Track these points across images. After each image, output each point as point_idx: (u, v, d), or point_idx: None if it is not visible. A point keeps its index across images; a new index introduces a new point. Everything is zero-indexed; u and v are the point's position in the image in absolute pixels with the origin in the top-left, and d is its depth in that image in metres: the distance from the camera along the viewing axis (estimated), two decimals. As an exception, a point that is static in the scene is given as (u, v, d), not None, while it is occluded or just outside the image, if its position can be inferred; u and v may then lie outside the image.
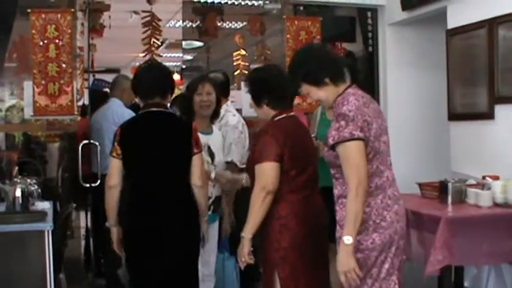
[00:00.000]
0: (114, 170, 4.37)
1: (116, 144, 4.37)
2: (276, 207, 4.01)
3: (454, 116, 6.65)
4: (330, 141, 3.64)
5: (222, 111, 5.42)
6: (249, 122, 6.08)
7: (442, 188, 5.40)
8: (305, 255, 4.03)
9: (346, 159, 3.57)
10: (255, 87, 4.24)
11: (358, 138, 3.54)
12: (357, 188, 3.50)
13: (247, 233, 4.01)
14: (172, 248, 4.34)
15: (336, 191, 3.79)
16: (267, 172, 3.95)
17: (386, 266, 3.67)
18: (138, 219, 4.35)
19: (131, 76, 5.54)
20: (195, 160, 4.39)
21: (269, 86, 4.16)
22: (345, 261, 3.52)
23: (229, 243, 5.45)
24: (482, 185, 5.34)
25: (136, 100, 6.35)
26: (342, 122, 3.58)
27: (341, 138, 3.56)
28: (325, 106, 4.20)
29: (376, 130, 3.66)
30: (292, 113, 4.23)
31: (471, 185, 5.41)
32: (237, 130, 5.54)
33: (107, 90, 8.82)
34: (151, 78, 4.50)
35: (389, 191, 3.72)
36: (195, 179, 4.40)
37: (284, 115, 4.15)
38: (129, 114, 6.29)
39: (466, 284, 6.09)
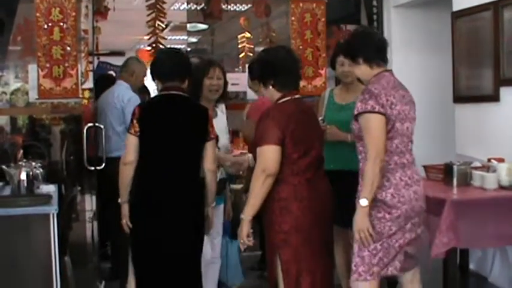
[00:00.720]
0: (131, 147, 4.46)
1: (134, 121, 4.46)
2: (277, 190, 4.10)
3: (459, 98, 6.63)
4: (355, 112, 4.01)
5: None
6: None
7: (447, 170, 5.39)
8: (307, 238, 4.11)
9: (367, 130, 3.94)
10: (262, 69, 4.33)
11: (379, 112, 3.92)
12: (375, 157, 3.87)
13: (247, 215, 4.10)
14: (177, 228, 4.46)
15: (361, 165, 4.09)
16: (268, 155, 4.04)
17: (400, 239, 4.04)
18: (147, 197, 4.47)
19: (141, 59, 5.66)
20: (209, 145, 4.55)
21: (274, 68, 4.23)
22: (359, 221, 3.91)
23: (231, 227, 5.48)
24: (487, 168, 5.34)
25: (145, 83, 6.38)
26: (367, 96, 3.96)
27: (363, 109, 3.94)
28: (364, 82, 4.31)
29: (399, 112, 4.02)
30: (297, 96, 4.27)
31: (476, 168, 5.40)
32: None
33: (112, 73, 8.84)
34: (172, 61, 4.61)
35: (408, 172, 4.08)
36: (208, 163, 4.56)
37: (288, 98, 4.20)
38: (133, 98, 6.28)
39: (471, 266, 6.11)
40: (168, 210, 4.44)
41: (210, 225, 4.73)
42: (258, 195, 4.09)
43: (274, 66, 4.24)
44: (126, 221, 4.55)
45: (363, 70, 4.18)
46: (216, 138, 4.70)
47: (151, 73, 4.73)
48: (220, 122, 5.21)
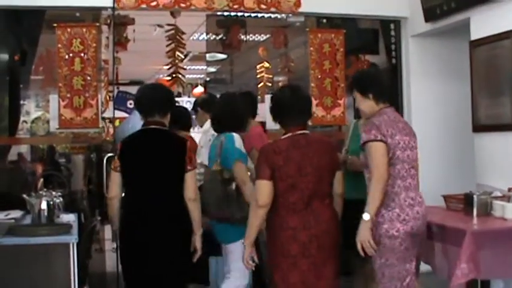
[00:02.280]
0: (113, 182, 4.74)
1: (115, 157, 4.75)
2: (269, 219, 4.52)
3: (478, 127, 6.61)
4: (361, 142, 4.48)
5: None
6: (272, 134, 6.18)
7: (467, 200, 5.36)
8: (294, 264, 4.43)
9: (370, 156, 4.40)
10: (271, 110, 4.71)
11: (380, 140, 4.38)
12: (377, 178, 4.32)
13: (246, 241, 4.57)
14: (160, 259, 4.60)
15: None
16: (260, 188, 4.44)
17: (408, 253, 4.43)
18: (130, 231, 4.69)
19: None
20: (189, 176, 4.67)
21: (279, 109, 4.63)
22: (362, 233, 4.32)
23: None
24: (508, 197, 5.30)
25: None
26: (369, 127, 4.45)
27: (367, 138, 4.40)
28: (362, 116, 4.91)
29: (399, 142, 4.46)
30: (299, 132, 4.53)
31: (497, 197, 5.37)
32: (208, 134, 6.00)
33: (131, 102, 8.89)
34: (152, 97, 4.81)
35: (411, 194, 4.47)
36: (189, 193, 4.67)
37: (289, 134, 4.53)
38: None
39: (492, 297, 6.04)
40: (150, 237, 4.60)
41: (197, 252, 4.78)
42: (252, 225, 4.52)
43: (279, 108, 4.63)
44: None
45: (369, 105, 4.62)
46: (195, 168, 4.81)
47: (136, 108, 5.02)
48: None
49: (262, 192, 4.42)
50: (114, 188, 4.72)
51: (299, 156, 4.45)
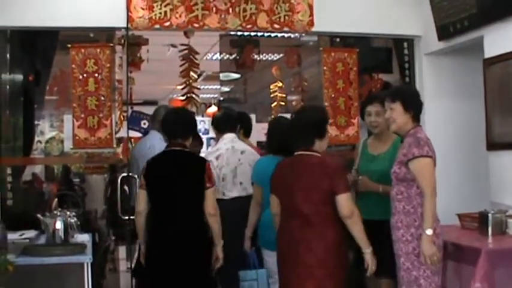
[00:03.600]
0: (140, 199, 5.21)
1: (142, 177, 5.24)
2: None
3: (492, 145, 6.58)
4: (410, 156, 4.67)
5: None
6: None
7: (482, 219, 5.34)
8: (281, 279, 4.83)
9: (423, 171, 4.64)
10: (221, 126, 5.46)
11: (431, 157, 4.68)
12: (431, 192, 4.58)
13: None
14: (184, 269, 5.04)
15: (399, 206, 4.73)
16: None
17: (439, 266, 4.68)
18: (157, 242, 5.14)
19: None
20: (208, 193, 5.13)
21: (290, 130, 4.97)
22: (428, 248, 4.53)
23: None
24: (523, 216, 5.29)
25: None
26: (421, 142, 4.70)
27: (420, 153, 4.64)
28: (393, 128, 5.02)
29: (435, 160, 4.74)
30: (300, 153, 4.78)
31: (512, 216, 5.35)
32: (236, 153, 6.17)
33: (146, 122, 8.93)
34: (175, 122, 5.35)
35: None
36: (208, 208, 5.12)
37: (294, 154, 4.82)
38: (160, 149, 6.27)
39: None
40: (175, 250, 5.05)
41: (219, 261, 5.24)
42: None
43: (289, 130, 4.98)
44: (143, 258, 5.23)
45: (406, 120, 4.84)
46: (214, 185, 5.27)
47: (163, 131, 5.60)
48: None
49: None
50: (141, 204, 5.19)
51: (290, 176, 4.75)
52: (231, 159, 6.11)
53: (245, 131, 6.78)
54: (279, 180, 4.83)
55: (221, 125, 6.41)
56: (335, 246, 4.63)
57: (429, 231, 4.53)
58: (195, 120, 5.58)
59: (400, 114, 4.85)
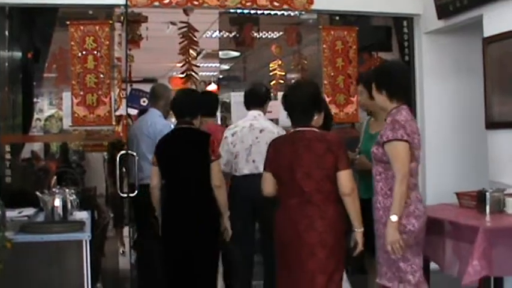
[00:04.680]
0: (154, 174, 5.56)
1: (154, 154, 5.58)
2: None
3: (491, 124, 6.58)
4: (384, 139, 4.56)
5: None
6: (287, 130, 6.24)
7: (480, 197, 5.35)
8: (281, 259, 4.74)
9: (396, 155, 4.51)
10: (284, 106, 4.90)
11: (406, 141, 4.50)
12: (401, 179, 4.44)
13: None
14: (194, 237, 5.35)
15: (379, 184, 4.67)
16: (263, 178, 4.84)
17: (419, 248, 4.64)
18: (170, 212, 5.50)
19: (169, 85, 6.17)
20: (213, 166, 5.43)
21: (287, 107, 4.82)
22: (390, 234, 4.46)
23: None
24: (521, 195, 5.29)
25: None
26: (396, 125, 4.53)
27: (394, 137, 4.50)
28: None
29: (417, 141, 4.61)
30: (299, 129, 4.70)
31: (510, 194, 5.35)
32: (254, 131, 6.17)
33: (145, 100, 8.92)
34: (184, 102, 5.68)
35: (418, 191, 4.71)
36: (214, 180, 5.42)
37: (292, 130, 4.78)
38: (166, 127, 6.29)
39: (505, 295, 6.03)
40: (186, 220, 5.38)
41: (228, 233, 5.57)
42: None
43: (286, 106, 4.83)
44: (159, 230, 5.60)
45: (382, 100, 4.75)
46: (218, 158, 5.54)
47: (172, 110, 5.96)
48: None
49: (263, 181, 4.83)
50: (154, 179, 5.55)
51: (289, 152, 4.66)
52: (247, 137, 6.10)
53: (207, 112, 6.55)
54: (278, 158, 4.69)
55: (246, 102, 6.37)
56: (335, 225, 4.58)
57: (394, 218, 4.44)
58: (202, 101, 5.94)
59: (375, 95, 4.82)
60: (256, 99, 6.32)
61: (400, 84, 4.76)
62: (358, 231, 4.64)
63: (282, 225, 4.68)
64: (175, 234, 5.44)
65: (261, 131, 6.11)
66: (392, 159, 4.52)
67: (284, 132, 5.86)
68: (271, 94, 8.83)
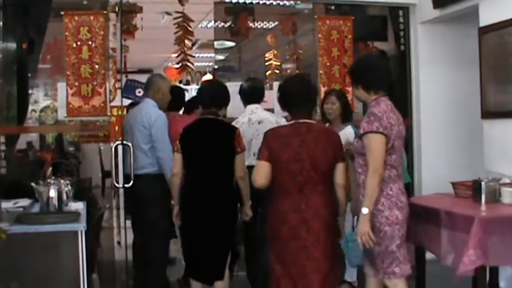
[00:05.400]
0: (176, 162, 5.57)
1: (177, 142, 5.58)
2: (269, 202, 4.84)
3: (487, 114, 6.59)
4: (361, 131, 4.59)
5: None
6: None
7: (475, 187, 5.34)
8: (283, 247, 4.70)
9: (369, 148, 4.52)
10: (278, 97, 4.98)
11: (382, 133, 4.49)
12: (374, 172, 4.45)
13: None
14: (213, 222, 5.42)
15: (361, 177, 4.65)
16: (257, 168, 4.79)
17: (403, 239, 4.62)
18: (191, 200, 5.52)
19: (165, 75, 6.24)
20: (238, 158, 5.48)
21: (287, 99, 4.88)
22: (361, 225, 4.49)
23: None
24: (516, 184, 5.29)
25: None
26: (372, 118, 4.54)
27: (369, 129, 4.51)
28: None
29: (396, 132, 4.58)
30: (302, 120, 4.75)
31: (505, 184, 5.35)
32: (253, 125, 6.29)
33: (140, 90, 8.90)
34: (210, 93, 5.77)
35: (401, 183, 4.67)
36: (238, 172, 5.49)
37: (293, 122, 4.80)
38: (160, 117, 6.25)
39: (501, 284, 6.04)
40: (207, 207, 5.42)
41: (248, 215, 5.72)
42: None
43: (285, 97, 4.89)
44: (175, 218, 5.67)
45: (361, 94, 4.80)
46: (243, 151, 5.57)
47: (197, 101, 6.19)
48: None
49: (259, 171, 4.76)
50: (176, 166, 5.56)
51: (296, 142, 4.67)
52: (247, 132, 6.13)
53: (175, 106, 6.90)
54: (282, 148, 4.68)
55: (245, 98, 6.50)
56: (335, 213, 4.76)
57: (364, 210, 4.47)
58: (228, 92, 5.85)
59: (354, 90, 4.94)
60: (255, 96, 6.47)
61: (374, 77, 4.76)
62: (343, 220, 4.94)
63: (285, 215, 4.66)
64: (196, 222, 5.49)
65: (259, 122, 6.22)
66: (367, 152, 4.55)
67: (283, 121, 6.00)
68: (267, 84, 8.84)
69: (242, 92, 6.51)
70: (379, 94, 4.71)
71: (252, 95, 6.46)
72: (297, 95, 4.80)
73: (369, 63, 4.93)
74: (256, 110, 6.36)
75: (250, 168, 5.85)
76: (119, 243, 7.59)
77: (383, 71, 4.87)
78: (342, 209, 4.84)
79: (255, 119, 6.27)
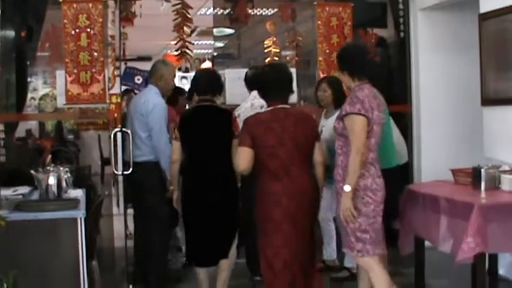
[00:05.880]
0: (175, 149, 5.69)
1: (175, 129, 5.68)
2: (256, 186, 5.03)
3: (487, 101, 6.58)
4: (343, 113, 4.78)
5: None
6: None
7: (475, 174, 5.36)
8: (276, 228, 4.90)
9: (352, 128, 4.69)
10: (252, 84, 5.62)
11: (363, 115, 4.67)
12: (357, 151, 4.63)
13: None
14: (216, 206, 5.57)
15: (341, 158, 4.84)
16: (239, 154, 5.02)
17: (379, 218, 4.77)
18: (193, 186, 5.66)
19: (170, 62, 6.81)
20: (235, 142, 5.41)
21: (262, 84, 5.27)
22: (344, 203, 4.67)
23: None
24: (516, 171, 5.30)
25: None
26: (355, 100, 4.76)
27: (351, 111, 4.71)
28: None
29: (376, 117, 4.74)
30: (280, 106, 5.04)
31: (505, 171, 5.36)
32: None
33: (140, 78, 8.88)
34: (206, 80, 5.87)
35: (377, 165, 4.82)
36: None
37: (271, 108, 5.07)
38: (158, 105, 6.22)
39: (500, 271, 6.06)
40: (209, 192, 5.58)
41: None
42: None
43: (263, 85, 5.26)
44: (176, 203, 5.79)
45: (347, 80, 5.00)
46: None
47: (191, 89, 6.18)
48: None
49: (242, 157, 4.98)
50: (176, 153, 5.69)
51: (278, 127, 4.94)
52: None
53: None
54: (266, 134, 4.93)
55: (247, 84, 6.73)
56: (318, 192, 5.11)
57: (347, 188, 4.66)
58: (221, 79, 6.03)
59: (340, 75, 5.14)
60: (255, 81, 6.40)
61: (358, 64, 4.94)
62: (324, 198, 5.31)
63: (277, 197, 4.89)
64: (199, 208, 5.62)
65: (261, 107, 6.23)
66: (349, 132, 4.72)
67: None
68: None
69: (247, 79, 6.71)
70: (362, 81, 4.89)
71: (254, 82, 6.47)
72: (274, 83, 5.11)
73: (356, 51, 5.16)
74: (258, 96, 6.35)
75: None
76: (129, 234, 7.53)
77: (368, 60, 5.15)
78: (321, 185, 5.12)
79: (257, 104, 6.38)
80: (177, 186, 5.78)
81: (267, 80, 5.19)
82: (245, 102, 6.61)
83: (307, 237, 4.99)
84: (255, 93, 6.41)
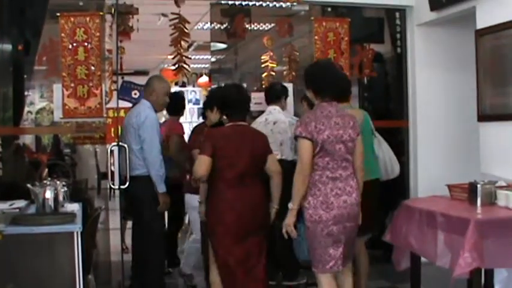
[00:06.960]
0: (204, 164, 5.36)
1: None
2: (210, 193, 5.39)
3: (483, 116, 6.59)
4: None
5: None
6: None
7: (471, 189, 5.36)
8: (228, 231, 5.24)
9: (297, 150, 4.99)
10: (218, 103, 5.92)
11: (305, 137, 4.86)
12: (299, 171, 4.87)
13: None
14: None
15: None
16: (199, 162, 5.24)
17: (330, 239, 4.87)
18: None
19: (164, 78, 6.49)
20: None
21: (227, 103, 5.54)
22: (286, 219, 4.95)
23: None
24: (512, 187, 5.30)
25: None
26: (298, 123, 4.99)
27: (295, 133, 4.98)
28: None
29: (329, 137, 4.87)
30: (240, 123, 5.47)
31: (501, 187, 5.36)
32: (269, 125, 6.75)
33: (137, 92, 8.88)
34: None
35: (340, 184, 4.90)
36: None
37: (232, 124, 5.47)
38: (148, 119, 6.24)
39: (496, 287, 6.04)
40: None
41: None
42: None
43: (226, 103, 5.55)
44: (203, 215, 5.66)
45: (312, 97, 5.14)
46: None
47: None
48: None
49: (201, 165, 5.21)
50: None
51: (238, 141, 5.32)
52: (263, 130, 6.25)
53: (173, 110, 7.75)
54: (227, 146, 5.28)
55: (265, 98, 7.08)
56: (268, 198, 5.44)
57: (289, 205, 4.94)
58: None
59: (307, 92, 5.25)
60: (272, 95, 6.95)
61: (321, 83, 5.06)
62: (276, 207, 5.42)
63: (232, 202, 5.25)
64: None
65: (274, 123, 6.70)
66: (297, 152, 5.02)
67: (295, 119, 6.51)
68: (263, 86, 8.83)
69: (264, 93, 7.15)
70: (324, 99, 5.02)
71: (269, 94, 7.02)
72: (236, 102, 5.49)
73: (320, 70, 5.21)
74: (273, 111, 6.84)
75: None
76: (125, 248, 7.50)
77: (333, 79, 5.13)
78: (277, 198, 5.41)
79: (270, 119, 6.72)
80: (204, 197, 5.61)
81: (231, 99, 5.51)
82: (260, 117, 6.88)
83: (258, 239, 5.33)
84: (270, 108, 6.84)
